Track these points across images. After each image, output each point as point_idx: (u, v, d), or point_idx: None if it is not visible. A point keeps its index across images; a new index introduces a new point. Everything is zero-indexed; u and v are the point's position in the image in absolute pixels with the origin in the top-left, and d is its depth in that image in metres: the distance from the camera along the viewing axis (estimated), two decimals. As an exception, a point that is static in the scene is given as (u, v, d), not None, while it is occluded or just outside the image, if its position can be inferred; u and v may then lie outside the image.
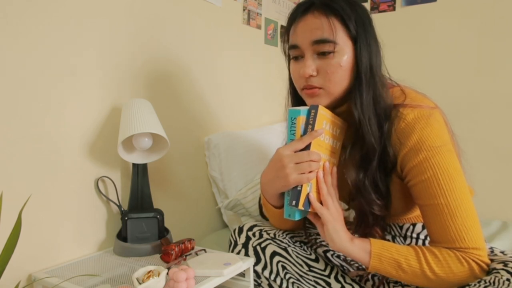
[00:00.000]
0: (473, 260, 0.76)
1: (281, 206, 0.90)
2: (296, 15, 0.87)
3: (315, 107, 0.81)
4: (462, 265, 0.76)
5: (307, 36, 0.83)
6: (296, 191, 0.80)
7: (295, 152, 0.81)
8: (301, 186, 0.80)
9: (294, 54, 0.88)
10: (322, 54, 0.83)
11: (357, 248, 0.81)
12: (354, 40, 0.83)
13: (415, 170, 0.81)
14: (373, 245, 0.81)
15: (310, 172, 0.80)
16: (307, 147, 0.80)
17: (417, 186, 0.81)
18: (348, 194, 0.90)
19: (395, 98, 0.86)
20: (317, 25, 0.82)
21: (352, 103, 0.84)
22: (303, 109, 0.82)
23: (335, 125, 0.87)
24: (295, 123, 0.82)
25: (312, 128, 0.80)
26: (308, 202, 0.82)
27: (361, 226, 0.89)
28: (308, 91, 0.86)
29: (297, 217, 0.83)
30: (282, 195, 0.88)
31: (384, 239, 0.90)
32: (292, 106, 0.98)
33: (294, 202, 0.80)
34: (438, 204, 0.78)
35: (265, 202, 0.94)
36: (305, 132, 0.81)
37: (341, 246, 0.81)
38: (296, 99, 0.96)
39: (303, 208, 0.81)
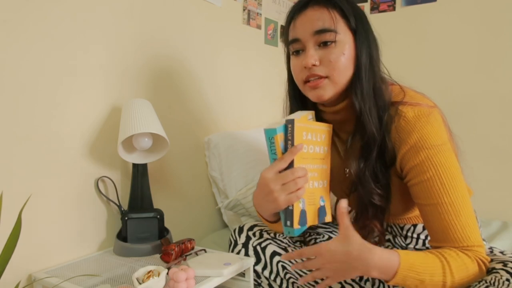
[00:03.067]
0: (479, 258, 0.76)
1: (278, 220, 0.91)
2: (294, 12, 0.87)
3: (290, 121, 0.78)
4: (474, 265, 0.75)
5: (307, 28, 0.83)
6: (288, 211, 0.80)
7: (280, 172, 0.79)
8: (292, 205, 0.79)
9: (294, 48, 0.87)
10: (324, 44, 0.83)
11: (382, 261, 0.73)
12: (354, 32, 0.84)
13: (416, 169, 0.80)
14: (401, 264, 0.72)
15: (298, 189, 0.78)
16: (291, 165, 0.78)
17: (419, 185, 0.81)
18: (348, 187, 0.90)
19: (395, 96, 0.87)
20: (317, 16, 0.83)
21: (352, 93, 0.84)
22: (279, 127, 0.79)
23: (317, 132, 0.85)
24: (273, 142, 0.79)
25: (292, 144, 0.78)
26: (304, 218, 0.81)
27: (360, 219, 0.89)
28: (311, 83, 0.85)
29: (297, 233, 0.82)
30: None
31: (384, 233, 0.90)
32: (291, 108, 0.97)
33: (288, 223, 0.80)
34: (442, 203, 0.78)
35: (262, 218, 0.95)
36: (285, 149, 0.79)
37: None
38: (295, 100, 0.95)
39: (299, 227, 0.80)
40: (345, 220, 0.74)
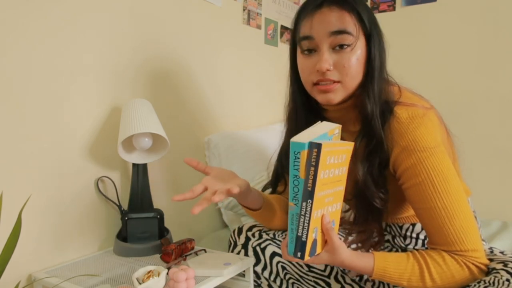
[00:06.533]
0: (472, 263, 0.76)
1: (259, 208, 0.90)
2: (309, 8, 0.84)
3: (317, 146, 0.66)
4: (463, 271, 0.75)
5: (325, 27, 0.81)
6: (301, 243, 0.71)
7: None
8: (306, 237, 0.70)
9: (306, 47, 0.84)
10: (339, 47, 0.81)
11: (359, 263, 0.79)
12: (367, 36, 0.83)
13: (408, 172, 0.80)
14: (374, 271, 0.78)
15: None
16: (312, 192, 0.68)
17: (412, 189, 0.80)
18: (350, 191, 0.90)
19: (393, 97, 0.86)
20: (336, 17, 0.81)
21: (364, 97, 0.83)
22: (308, 143, 0.68)
23: (340, 153, 0.76)
24: (298, 158, 0.69)
25: (315, 170, 0.67)
26: (315, 247, 0.75)
27: (359, 223, 0.88)
28: (322, 87, 0.83)
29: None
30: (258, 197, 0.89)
31: (383, 234, 0.90)
32: (293, 105, 0.95)
33: (299, 254, 0.72)
34: (434, 207, 0.77)
35: (244, 208, 0.95)
36: (308, 172, 0.68)
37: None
38: (300, 98, 0.93)
39: (309, 258, 0.74)
40: (332, 235, 0.74)
